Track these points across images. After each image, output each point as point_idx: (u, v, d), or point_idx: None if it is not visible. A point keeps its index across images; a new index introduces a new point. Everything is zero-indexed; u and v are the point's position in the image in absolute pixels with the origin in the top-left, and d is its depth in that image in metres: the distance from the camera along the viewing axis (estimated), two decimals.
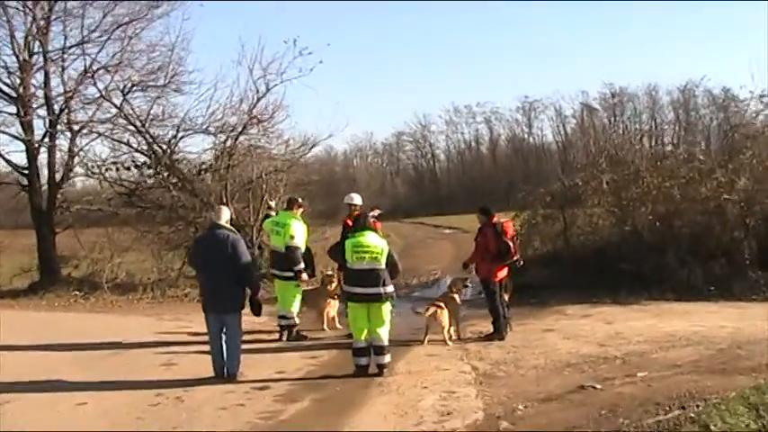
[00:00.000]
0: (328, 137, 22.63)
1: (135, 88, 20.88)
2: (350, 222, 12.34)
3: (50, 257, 20.88)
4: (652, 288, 14.91)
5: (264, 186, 20.60)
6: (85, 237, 21.59)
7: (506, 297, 12.08)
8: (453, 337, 11.42)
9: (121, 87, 20.68)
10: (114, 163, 21.16)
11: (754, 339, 10.47)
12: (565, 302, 14.79)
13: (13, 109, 20.61)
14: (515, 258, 11.55)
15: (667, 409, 7.33)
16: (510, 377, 9.08)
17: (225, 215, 9.75)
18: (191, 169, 21.13)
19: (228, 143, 20.83)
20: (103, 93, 20.61)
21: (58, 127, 20.97)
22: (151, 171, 21.08)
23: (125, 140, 21.37)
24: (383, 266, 9.42)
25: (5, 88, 20.60)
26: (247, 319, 9.82)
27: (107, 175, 21.37)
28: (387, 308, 9.49)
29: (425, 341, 11.15)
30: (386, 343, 9.42)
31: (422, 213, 64.66)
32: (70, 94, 20.70)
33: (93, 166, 21.44)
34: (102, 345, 11.92)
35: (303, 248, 12.06)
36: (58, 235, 21.47)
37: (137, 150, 21.25)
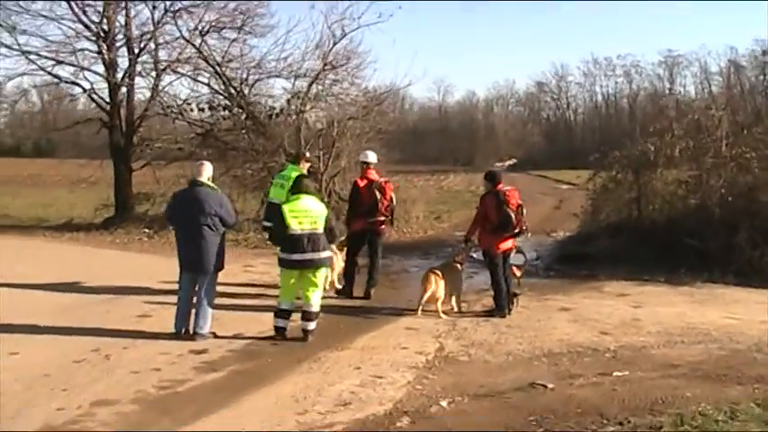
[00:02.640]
0: (407, 86, 21.87)
1: (212, 29, 20.72)
2: (360, 183, 11.75)
3: (126, 194, 21.34)
4: (716, 268, 13.42)
5: (335, 133, 20.11)
6: (162, 174, 21.85)
7: (517, 272, 11.10)
8: (455, 309, 10.63)
9: (199, 28, 20.57)
10: (189, 103, 21.18)
11: None
12: (613, 278, 13.59)
13: (95, 47, 20.94)
14: (519, 230, 10.52)
15: (605, 422, 6.38)
16: (470, 364, 8.22)
17: (207, 171, 9.31)
18: (265, 113, 20.85)
19: (302, 88, 20.41)
20: (183, 33, 20.60)
21: (139, 67, 21.18)
22: (226, 112, 20.99)
23: (205, 81, 21.36)
24: (321, 231, 8.87)
25: (92, 26, 20.92)
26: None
27: (186, 115, 21.48)
28: (322, 273, 9.05)
29: (419, 311, 10.41)
30: (315, 309, 9.03)
31: (554, 166, 62.71)
32: (150, 35, 20.78)
33: (173, 106, 21.59)
34: (113, 289, 11.99)
35: None
36: (139, 172, 21.90)
37: (215, 91, 21.20)
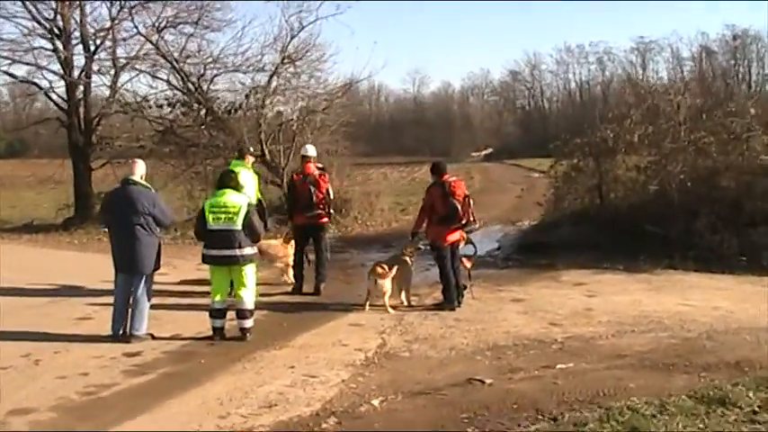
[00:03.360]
0: (367, 77, 21.67)
1: (169, 25, 20.38)
2: (296, 177, 11.57)
3: (86, 194, 20.99)
4: (676, 254, 13.30)
5: (296, 127, 19.86)
6: (122, 173, 21.41)
7: (468, 263, 10.85)
8: (404, 303, 10.39)
9: (156, 24, 20.21)
10: (148, 100, 20.83)
11: (737, 328, 9.02)
12: (572, 266, 13.46)
13: (50, 45, 20.58)
14: (466, 221, 10.27)
15: (539, 417, 6.15)
16: (410, 360, 7.98)
17: (139, 170, 9.02)
18: (224, 108, 20.53)
19: (261, 82, 20.12)
20: (140, 29, 20.22)
21: (96, 65, 20.85)
22: (185, 109, 20.66)
23: (164, 78, 21.01)
24: (239, 227, 8.59)
25: (46, 23, 20.52)
26: None
27: (145, 112, 21.12)
28: (248, 270, 8.76)
29: (366, 306, 10.18)
30: (248, 306, 8.79)
31: (529, 154, 62.43)
32: (106, 32, 20.41)
33: (131, 103, 21.22)
34: (59, 290, 11.78)
35: (254, 199, 11.25)
36: (100, 171, 21.55)
37: (173, 87, 20.86)
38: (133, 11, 20.39)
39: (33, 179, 28.12)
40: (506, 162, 61.42)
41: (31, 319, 9.87)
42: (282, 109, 20.59)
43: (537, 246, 15.51)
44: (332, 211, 11.85)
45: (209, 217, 8.61)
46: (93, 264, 14.71)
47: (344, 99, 22.01)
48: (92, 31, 20.91)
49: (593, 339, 8.66)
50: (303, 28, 19.80)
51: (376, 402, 6.59)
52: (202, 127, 20.44)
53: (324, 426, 6.07)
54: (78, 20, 20.71)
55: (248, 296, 8.76)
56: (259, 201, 11.56)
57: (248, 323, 8.78)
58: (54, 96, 21.71)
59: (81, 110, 21.14)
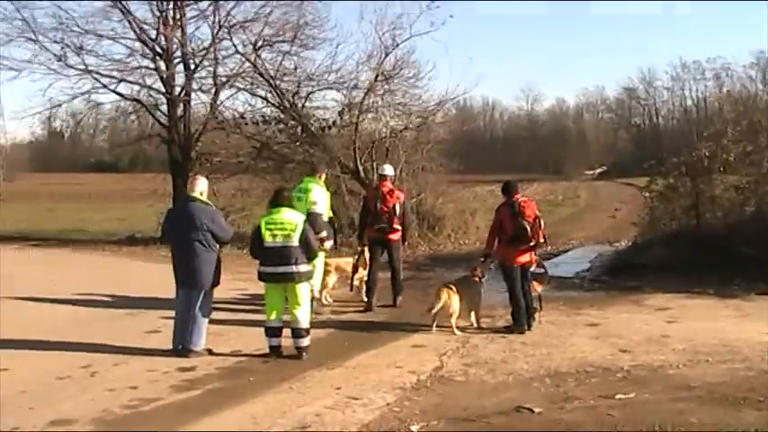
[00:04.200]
0: (462, 95, 21.49)
1: (265, 43, 20.76)
2: (369, 193, 11.70)
3: None
4: None
5: (388, 145, 19.91)
6: (220, 187, 21.94)
7: (537, 287, 10.54)
8: (474, 325, 10.19)
9: (254, 42, 20.64)
10: (244, 117, 21.27)
11: None
12: (660, 290, 12.86)
13: (153, 65, 21.31)
14: (536, 242, 9.98)
15: None
16: (464, 384, 7.74)
17: (200, 186, 9.11)
18: (318, 125, 20.78)
19: (356, 99, 20.24)
20: (238, 48, 20.72)
21: (196, 84, 21.46)
22: (281, 125, 21.01)
23: (261, 95, 21.41)
24: (296, 244, 8.56)
25: (150, 43, 21.29)
26: None
27: (242, 129, 21.58)
28: (302, 288, 8.71)
29: (434, 327, 10.01)
30: (303, 325, 8.70)
31: (642, 172, 60.65)
32: (205, 51, 21.01)
33: (230, 120, 21.74)
34: (139, 302, 12.07)
35: (326, 217, 11.31)
36: None
37: (270, 104, 21.24)
38: (232, 30, 20.83)
39: (151, 193, 29.11)
40: (618, 180, 59.86)
41: (103, 331, 10.15)
42: (376, 126, 20.59)
43: (627, 267, 14.94)
44: (397, 226, 11.69)
45: (266, 234, 8.62)
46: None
47: (440, 116, 21.90)
48: (192, 50, 21.46)
49: (661, 368, 8.20)
50: (397, 45, 19.81)
51: (415, 428, 6.40)
52: (297, 144, 20.67)
53: None
54: (179, 40, 21.29)
55: (303, 315, 8.71)
56: (330, 218, 11.59)
57: (304, 342, 8.73)
58: (157, 114, 22.31)
59: (181, 126, 21.69)
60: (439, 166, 21.60)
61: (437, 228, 19.96)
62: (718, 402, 7.00)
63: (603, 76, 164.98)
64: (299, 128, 20.79)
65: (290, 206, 8.93)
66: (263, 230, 8.66)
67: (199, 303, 8.84)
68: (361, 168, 19.90)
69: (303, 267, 8.67)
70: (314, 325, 10.21)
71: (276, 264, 8.60)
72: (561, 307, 11.53)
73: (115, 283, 13.81)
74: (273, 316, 8.78)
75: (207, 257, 8.81)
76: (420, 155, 20.61)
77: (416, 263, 17.00)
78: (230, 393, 7.43)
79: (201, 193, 9.04)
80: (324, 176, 11.79)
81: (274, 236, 8.62)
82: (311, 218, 10.88)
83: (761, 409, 6.76)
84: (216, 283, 9.00)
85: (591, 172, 76.02)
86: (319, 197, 11.14)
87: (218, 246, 8.97)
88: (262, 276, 8.80)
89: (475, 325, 10.20)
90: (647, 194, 16.80)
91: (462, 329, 9.96)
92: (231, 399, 7.21)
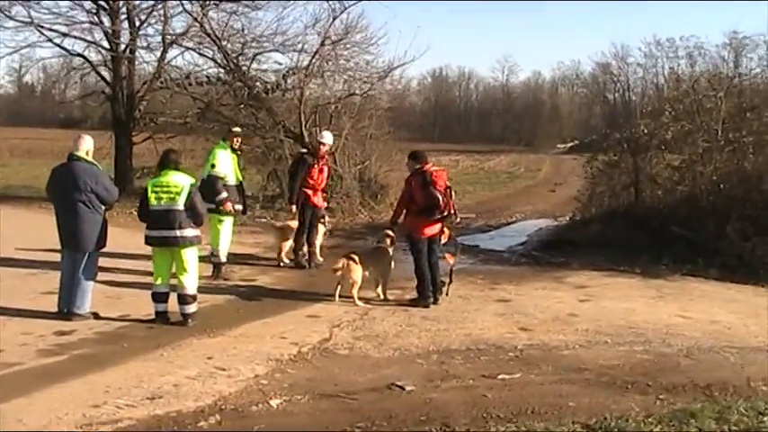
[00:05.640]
0: (411, 61, 21.03)
1: (212, 2, 20.20)
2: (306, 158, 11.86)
3: (125, 167, 21.02)
4: (701, 260, 12.34)
5: (332, 110, 19.48)
6: (163, 148, 21.48)
7: (450, 260, 10.19)
8: (381, 297, 9.87)
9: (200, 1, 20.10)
10: (188, 77, 20.73)
11: (725, 346, 8.16)
12: (586, 267, 12.73)
13: (97, 19, 20.76)
14: (447, 213, 9.63)
15: (434, 430, 5.59)
16: (345, 359, 7.43)
17: (85, 145, 8.67)
18: (262, 88, 20.27)
19: (302, 63, 19.77)
20: (185, 6, 20.19)
21: (144, 41, 20.98)
22: (226, 86, 20.50)
23: (209, 55, 20.88)
24: (181, 208, 8.21)
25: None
26: None
27: (187, 89, 21.05)
28: (189, 254, 8.39)
29: (336, 298, 9.69)
30: (189, 292, 8.42)
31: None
32: (150, 8, 20.49)
33: (175, 79, 21.18)
34: (49, 264, 11.37)
35: (232, 181, 11.06)
36: (141, 146, 21.68)
37: (216, 63, 20.71)
38: None
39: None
40: (587, 155, 59.71)
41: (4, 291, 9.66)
42: (322, 92, 20.13)
43: (561, 243, 14.72)
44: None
45: (151, 197, 8.27)
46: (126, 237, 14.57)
47: (386, 83, 21.47)
48: (136, 6, 20.88)
49: (556, 349, 7.95)
50: (345, 9, 19.27)
51: (274, 402, 6.11)
52: (241, 106, 20.18)
53: (201, 423, 5.62)
54: None
55: (189, 281, 8.39)
56: (240, 182, 11.35)
57: (190, 309, 8.41)
58: (102, 71, 21.75)
59: (125, 84, 21.13)
60: (386, 134, 21.19)
61: (379, 196, 19.60)
62: (604, 386, 6.79)
63: (578, 51, 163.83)
64: (245, 90, 20.19)
65: (178, 169, 8.48)
66: (149, 193, 8.30)
67: (83, 266, 8.47)
68: (305, 134, 19.45)
69: (189, 232, 8.29)
70: (215, 290, 9.92)
71: (160, 227, 8.25)
72: (479, 281, 11.30)
73: (34, 241, 13.28)
74: (159, 281, 8.43)
75: (91, 219, 8.43)
76: (367, 121, 20.15)
77: (352, 230, 16.67)
78: (96, 359, 7.10)
79: (87, 153, 8.62)
80: (238, 142, 11.45)
81: (159, 199, 8.26)
82: (209, 180, 10.60)
83: (647, 393, 6.57)
84: (102, 245, 8.61)
85: (562, 146, 75.90)
86: (222, 160, 10.94)
87: (102, 207, 8.55)
88: (147, 240, 8.44)
89: (381, 297, 9.87)
90: (589, 170, 16.50)
91: (367, 301, 9.64)
92: (95, 365, 6.88)
